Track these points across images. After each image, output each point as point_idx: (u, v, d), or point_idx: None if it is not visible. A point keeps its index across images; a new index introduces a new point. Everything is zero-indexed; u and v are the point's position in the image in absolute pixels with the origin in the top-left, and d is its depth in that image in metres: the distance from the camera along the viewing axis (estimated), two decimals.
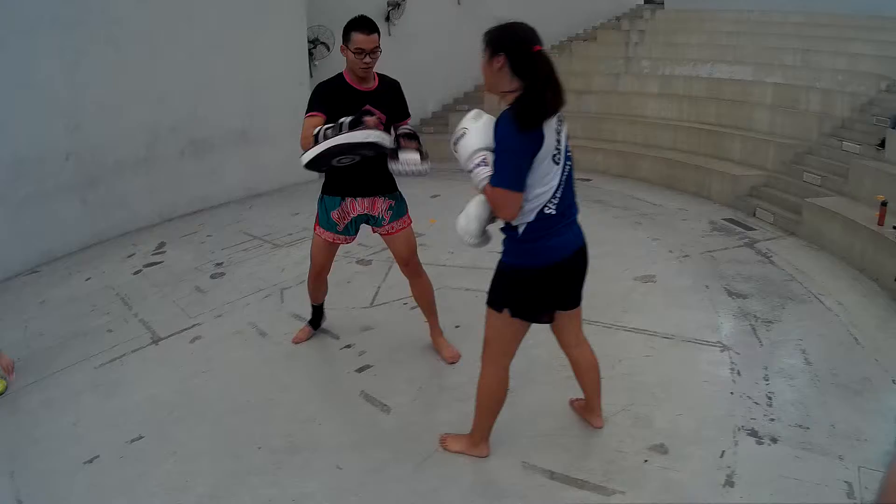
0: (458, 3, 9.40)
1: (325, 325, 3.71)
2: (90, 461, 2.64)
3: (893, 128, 5.51)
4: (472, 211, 2.10)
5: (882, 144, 5.56)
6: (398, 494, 2.29)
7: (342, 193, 2.98)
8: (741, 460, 2.37)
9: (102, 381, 3.35)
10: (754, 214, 5.81)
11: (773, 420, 2.64)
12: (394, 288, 4.12)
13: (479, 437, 2.41)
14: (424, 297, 3.23)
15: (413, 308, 3.68)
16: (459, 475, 2.35)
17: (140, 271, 4.93)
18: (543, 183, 2.00)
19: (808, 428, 2.58)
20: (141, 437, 2.80)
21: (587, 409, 2.63)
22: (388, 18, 8.48)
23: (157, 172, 6.19)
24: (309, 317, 3.61)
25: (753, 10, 9.01)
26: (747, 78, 7.57)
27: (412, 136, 2.73)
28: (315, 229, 3.11)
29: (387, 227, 3.06)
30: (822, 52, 7.44)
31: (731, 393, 2.83)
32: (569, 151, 2.12)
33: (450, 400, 2.89)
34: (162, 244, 5.56)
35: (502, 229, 2.14)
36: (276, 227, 5.75)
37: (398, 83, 2.99)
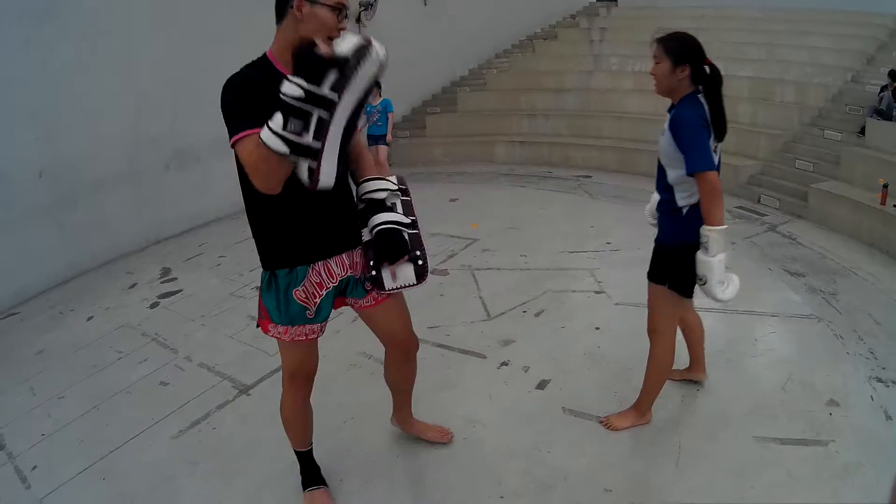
0: (425, 4, 10.02)
1: (456, 343, 3.73)
2: None
3: (871, 116, 6.76)
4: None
5: (862, 132, 6.81)
6: (681, 495, 2.53)
7: (308, 258, 2.11)
8: (884, 400, 3.17)
9: (198, 455, 2.89)
10: (759, 201, 6.87)
11: (884, 368, 3.49)
12: (498, 296, 4.44)
13: (646, 408, 2.91)
14: (412, 378, 2.68)
15: (537, 314, 4.14)
16: (713, 456, 2.75)
17: (157, 304, 4.75)
18: None
19: None
20: None
21: (693, 368, 3.23)
22: (358, 19, 8.92)
23: (140, 189, 6.01)
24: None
25: (708, 5, 10.28)
26: None
27: (388, 246, 2.10)
28: (268, 330, 2.19)
29: (373, 295, 2.28)
30: (785, 46, 8.78)
31: (847, 353, 3.66)
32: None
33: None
34: (166, 270, 5.45)
35: (665, 211, 2.64)
36: None
37: None
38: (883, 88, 7.16)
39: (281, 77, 1.75)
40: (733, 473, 2.67)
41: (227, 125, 1.84)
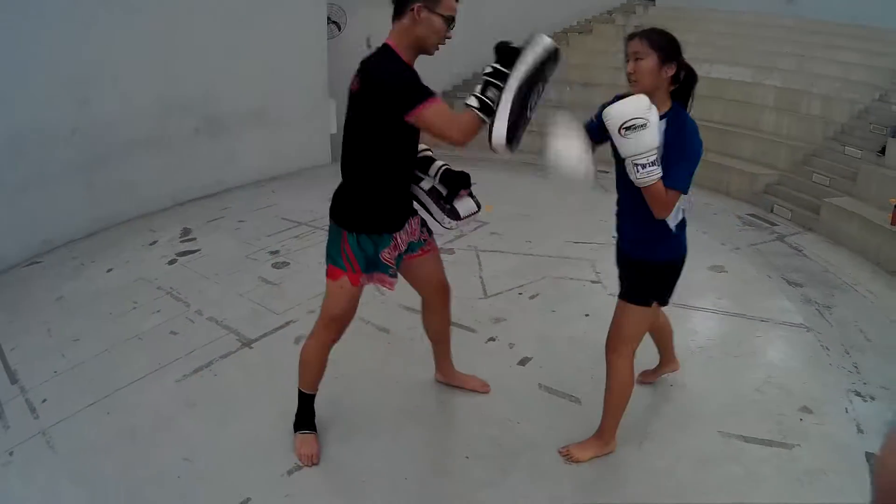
0: None
1: (454, 318, 3.67)
2: None
3: (893, 136, 6.70)
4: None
5: (883, 151, 6.75)
6: (638, 476, 2.70)
7: (393, 227, 2.52)
8: (859, 413, 3.22)
9: (197, 398, 3.13)
10: (772, 210, 6.86)
11: (865, 383, 3.52)
12: (498, 278, 4.59)
13: (609, 436, 2.75)
14: (448, 327, 3.02)
15: (532, 297, 4.29)
16: (676, 443, 2.89)
17: (175, 261, 4.94)
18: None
19: (889, 389, 3.49)
20: (300, 467, 2.70)
21: (664, 363, 3.23)
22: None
23: (169, 152, 6.21)
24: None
25: (745, 10, 10.18)
26: (747, 79, 8.69)
27: (458, 177, 2.59)
28: (342, 278, 2.49)
29: (426, 245, 2.73)
30: (816, 59, 8.69)
31: (831, 364, 3.71)
32: None
33: None
34: (187, 230, 5.62)
35: (645, 232, 2.47)
36: (318, 213, 5.75)
37: None
38: None
39: (411, 69, 2.27)
40: (693, 463, 2.79)
41: (403, 98, 2.18)
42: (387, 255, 2.50)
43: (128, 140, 5.80)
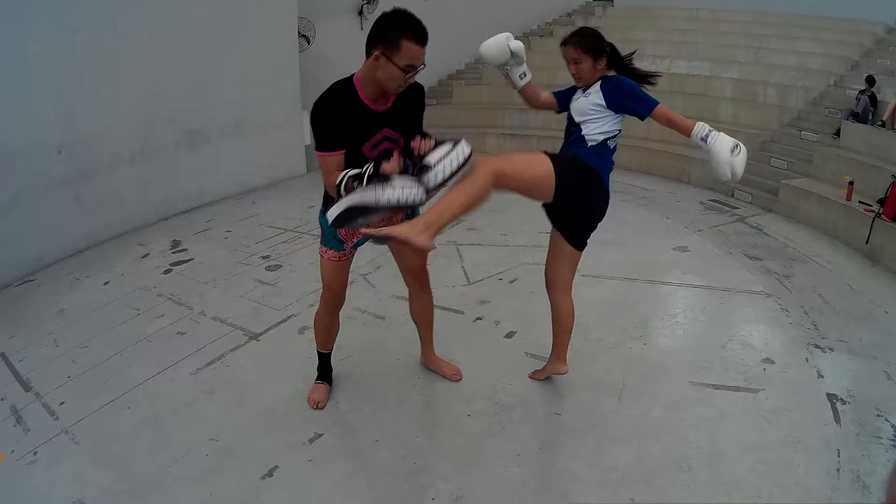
0: (425, 1, 10.49)
1: (439, 302, 4.05)
2: (270, 474, 2.79)
3: (847, 119, 7.30)
4: None
5: (837, 133, 7.36)
6: (621, 420, 3.12)
7: None
8: (819, 362, 3.71)
9: (214, 385, 3.42)
10: (733, 195, 7.42)
11: (824, 338, 4.02)
12: (478, 267, 5.03)
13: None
14: (427, 312, 3.34)
15: (511, 282, 4.73)
16: (651, 393, 3.32)
17: (170, 270, 5.21)
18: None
19: (847, 342, 4.00)
20: (319, 435, 3.00)
21: (553, 363, 3.35)
22: (360, 12, 9.39)
23: (152, 166, 6.47)
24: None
25: (702, 7, 10.82)
26: (705, 73, 9.29)
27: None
28: (320, 249, 2.96)
29: None
30: (773, 51, 9.33)
31: (790, 323, 4.20)
32: None
33: (603, 348, 3.77)
34: (176, 242, 5.90)
35: (602, 152, 2.81)
36: (302, 220, 6.27)
37: (422, 89, 2.73)
38: (861, 93, 7.70)
39: (361, 106, 2.47)
40: (668, 407, 3.22)
41: (315, 138, 2.51)
42: (343, 233, 2.82)
43: (113, 155, 6.08)
